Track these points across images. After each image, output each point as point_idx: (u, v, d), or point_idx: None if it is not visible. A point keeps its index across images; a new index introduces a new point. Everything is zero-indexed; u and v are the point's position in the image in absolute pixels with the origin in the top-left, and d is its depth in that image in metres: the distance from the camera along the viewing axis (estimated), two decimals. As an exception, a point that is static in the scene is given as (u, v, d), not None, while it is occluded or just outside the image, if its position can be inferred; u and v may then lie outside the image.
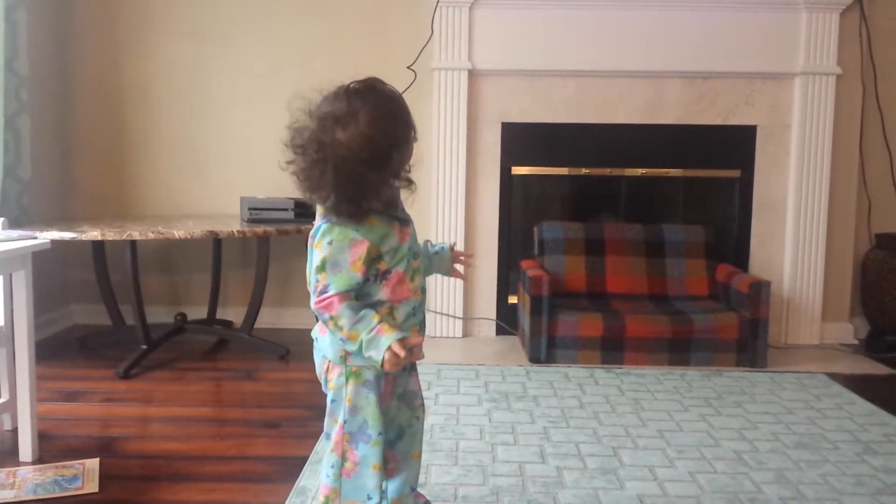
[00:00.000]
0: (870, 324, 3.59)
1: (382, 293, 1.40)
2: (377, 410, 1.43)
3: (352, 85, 1.34)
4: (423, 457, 2.08)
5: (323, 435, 1.51)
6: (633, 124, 3.47)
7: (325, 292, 1.36)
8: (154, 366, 3.00)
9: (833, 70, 3.38)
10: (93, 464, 2.05)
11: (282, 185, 3.53)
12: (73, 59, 3.59)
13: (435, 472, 2.01)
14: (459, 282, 3.47)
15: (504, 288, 3.57)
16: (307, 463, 2.06)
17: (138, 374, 2.90)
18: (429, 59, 3.43)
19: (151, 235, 2.81)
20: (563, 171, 3.59)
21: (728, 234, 3.59)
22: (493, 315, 3.57)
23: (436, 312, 3.48)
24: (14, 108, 3.08)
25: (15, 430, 2.17)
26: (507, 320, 3.56)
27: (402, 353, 1.34)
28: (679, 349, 3.05)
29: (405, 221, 1.45)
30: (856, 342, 3.53)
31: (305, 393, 2.72)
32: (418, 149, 1.42)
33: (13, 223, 2.94)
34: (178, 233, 2.84)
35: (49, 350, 3.19)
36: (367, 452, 1.43)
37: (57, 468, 2.02)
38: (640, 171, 3.57)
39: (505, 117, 3.47)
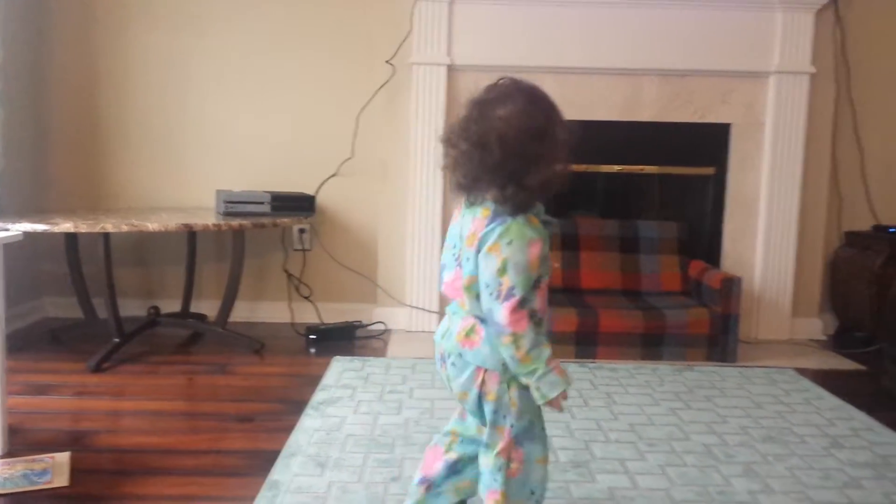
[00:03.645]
0: (838, 320, 3.65)
1: (536, 301, 1.38)
2: (538, 407, 1.44)
3: (501, 80, 1.41)
4: (399, 450, 2.10)
5: (481, 447, 1.48)
6: (611, 121, 3.48)
7: (513, 295, 1.32)
8: (126, 359, 2.98)
9: (807, 69, 3.43)
10: (63, 457, 2.03)
11: (258, 179, 3.55)
12: (48, 49, 3.54)
13: (408, 465, 2.01)
14: (434, 275, 3.47)
15: (480, 283, 3.58)
16: (279, 457, 2.06)
17: (110, 368, 2.87)
18: (408, 53, 3.42)
19: (125, 228, 2.78)
20: (540, 166, 3.60)
21: (701, 231, 3.62)
22: (470, 310, 3.57)
23: (411, 307, 3.48)
24: (-16, 97, 3.04)
25: (-17, 424, 2.15)
26: (483, 315, 3.56)
27: (565, 400, 1.39)
28: (651, 344, 3.08)
29: (552, 231, 1.45)
30: (824, 338, 3.59)
31: (279, 387, 2.71)
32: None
33: (-17, 214, 2.91)
34: (152, 225, 2.81)
35: (20, 342, 3.15)
36: (533, 448, 1.45)
37: (26, 462, 2.00)
38: (616, 168, 3.59)
39: (483, 113, 3.46)
